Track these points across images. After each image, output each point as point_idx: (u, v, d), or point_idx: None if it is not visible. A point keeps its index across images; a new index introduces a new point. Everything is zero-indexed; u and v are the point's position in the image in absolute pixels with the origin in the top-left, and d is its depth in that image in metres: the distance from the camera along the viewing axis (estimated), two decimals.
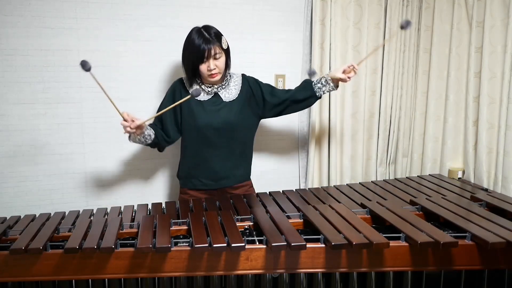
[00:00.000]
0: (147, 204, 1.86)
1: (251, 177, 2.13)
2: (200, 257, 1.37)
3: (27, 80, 2.14)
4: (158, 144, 1.94)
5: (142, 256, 1.36)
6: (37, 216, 1.70)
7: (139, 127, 1.74)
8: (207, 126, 1.91)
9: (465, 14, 2.51)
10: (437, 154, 2.71)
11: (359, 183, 2.23)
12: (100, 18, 2.18)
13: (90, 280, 1.40)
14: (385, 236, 1.38)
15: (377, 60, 2.56)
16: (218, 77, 1.86)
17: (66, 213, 1.75)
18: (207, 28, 1.83)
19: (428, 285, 1.48)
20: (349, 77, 1.92)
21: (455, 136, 2.64)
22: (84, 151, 2.27)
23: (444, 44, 2.60)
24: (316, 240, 1.40)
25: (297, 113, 2.57)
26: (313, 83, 2.00)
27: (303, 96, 2.00)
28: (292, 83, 2.53)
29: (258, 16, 2.41)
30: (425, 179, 2.26)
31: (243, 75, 2.03)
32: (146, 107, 2.29)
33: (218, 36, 1.83)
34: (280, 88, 2.51)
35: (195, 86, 1.93)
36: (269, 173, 2.57)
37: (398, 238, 1.42)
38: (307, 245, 1.35)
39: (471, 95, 2.49)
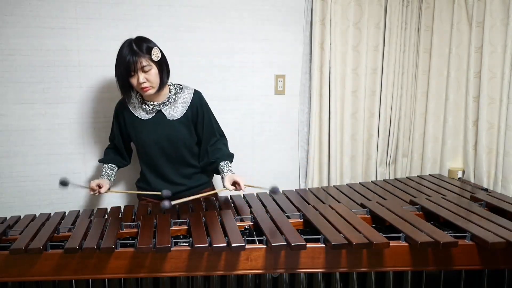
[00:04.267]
0: (147, 204, 1.86)
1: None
2: (200, 257, 1.37)
3: (27, 80, 2.14)
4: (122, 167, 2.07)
5: (142, 256, 1.36)
6: (37, 216, 1.70)
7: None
8: (151, 145, 1.88)
9: (465, 14, 2.51)
10: (437, 154, 2.71)
11: (359, 183, 2.23)
12: (100, 18, 2.18)
13: (90, 280, 1.40)
14: (385, 236, 1.38)
15: (377, 60, 2.56)
16: (151, 91, 1.76)
17: (66, 213, 1.75)
18: (137, 39, 1.75)
19: (428, 285, 1.48)
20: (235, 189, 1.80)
21: (455, 136, 2.64)
22: (84, 151, 2.27)
23: (444, 44, 2.60)
24: (316, 240, 1.40)
25: (297, 112, 2.58)
26: (220, 167, 1.87)
27: (209, 167, 1.95)
28: (292, 83, 2.54)
29: (258, 16, 2.41)
30: (425, 179, 2.26)
31: (196, 92, 1.91)
32: None
33: (147, 48, 1.73)
34: (280, 88, 2.52)
35: (135, 103, 1.88)
36: (269, 173, 2.57)
37: (398, 238, 1.42)
38: (307, 245, 1.35)
39: (471, 95, 2.49)
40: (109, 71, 2.23)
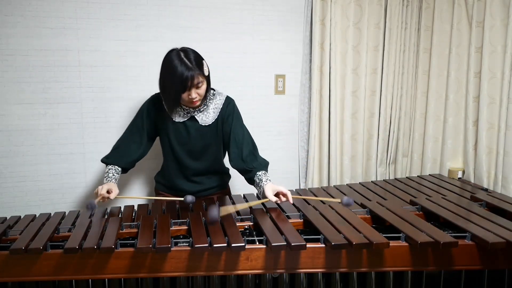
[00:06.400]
0: (147, 204, 1.86)
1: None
2: (200, 257, 1.37)
3: (27, 80, 2.14)
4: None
5: (142, 256, 1.36)
6: (37, 216, 1.70)
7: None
8: (180, 149, 1.87)
9: (465, 14, 2.51)
10: (437, 154, 2.71)
11: (359, 183, 2.23)
12: (100, 18, 2.18)
13: (90, 280, 1.40)
14: (385, 236, 1.38)
15: (377, 60, 2.56)
16: (199, 103, 1.77)
17: (66, 213, 1.75)
18: (187, 53, 1.69)
19: (428, 285, 1.48)
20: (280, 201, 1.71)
21: (455, 136, 2.64)
22: (84, 151, 2.27)
23: (444, 44, 2.60)
24: (316, 240, 1.40)
25: (297, 113, 2.58)
26: (256, 176, 1.79)
27: (244, 174, 1.85)
28: (292, 83, 2.54)
29: (258, 16, 2.41)
30: (425, 179, 2.25)
31: (228, 98, 1.89)
32: None
33: (199, 62, 1.70)
34: (280, 88, 2.52)
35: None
36: (269, 173, 2.56)
37: (398, 238, 1.42)
38: (307, 245, 1.35)
39: (471, 95, 2.49)
40: (109, 71, 2.24)
